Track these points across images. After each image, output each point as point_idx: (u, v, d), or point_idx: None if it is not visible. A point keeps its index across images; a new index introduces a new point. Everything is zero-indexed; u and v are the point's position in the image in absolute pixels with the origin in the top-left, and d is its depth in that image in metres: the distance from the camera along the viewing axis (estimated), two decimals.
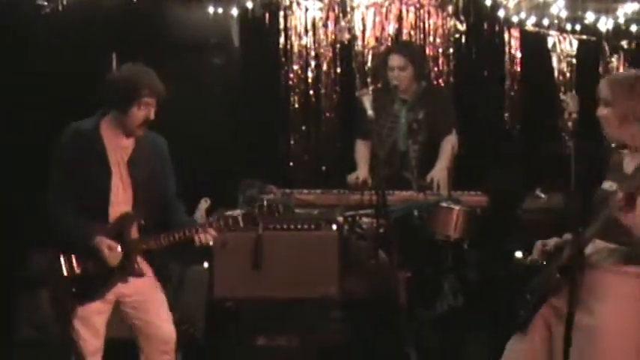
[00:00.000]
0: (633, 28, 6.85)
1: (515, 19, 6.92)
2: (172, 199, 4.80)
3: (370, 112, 4.85)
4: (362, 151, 6.29)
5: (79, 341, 4.62)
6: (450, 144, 6.04)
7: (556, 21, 6.77)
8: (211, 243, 4.74)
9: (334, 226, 5.56)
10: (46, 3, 6.82)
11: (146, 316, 4.73)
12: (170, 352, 4.78)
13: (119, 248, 4.56)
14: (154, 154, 4.70)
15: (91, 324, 4.63)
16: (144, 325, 4.74)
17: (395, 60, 6.14)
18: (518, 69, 7.29)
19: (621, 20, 6.69)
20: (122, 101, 4.51)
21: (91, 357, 4.67)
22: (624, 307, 3.98)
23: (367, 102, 4.90)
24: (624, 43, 7.11)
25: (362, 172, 6.15)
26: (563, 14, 6.60)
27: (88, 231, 4.55)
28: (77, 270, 4.59)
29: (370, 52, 7.31)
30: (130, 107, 4.50)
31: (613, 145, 3.98)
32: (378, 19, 7.29)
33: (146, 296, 4.73)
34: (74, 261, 4.59)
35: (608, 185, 4.07)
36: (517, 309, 4.29)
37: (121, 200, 4.62)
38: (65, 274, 4.59)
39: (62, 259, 4.60)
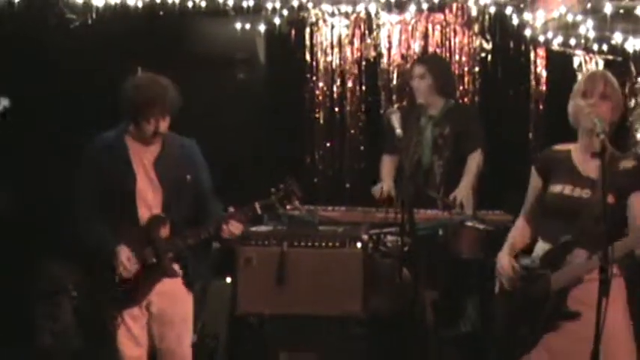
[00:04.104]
0: None
1: (541, 38, 6.90)
2: (207, 198, 4.85)
3: (399, 131, 4.84)
4: (387, 165, 6.28)
5: (121, 348, 4.69)
6: (475, 162, 6.03)
7: (583, 41, 6.73)
8: (237, 233, 4.75)
9: (359, 244, 5.54)
10: (75, 17, 6.88)
11: (168, 332, 4.79)
12: None
13: (135, 264, 4.62)
14: (181, 157, 4.78)
15: (131, 331, 4.69)
16: (163, 340, 4.80)
17: (417, 69, 6.27)
18: (544, 88, 7.27)
19: None
20: (132, 117, 4.64)
21: None
22: (623, 310, 4.07)
23: (395, 121, 4.89)
24: None
25: (386, 184, 6.15)
26: (591, 34, 6.57)
27: (110, 239, 4.63)
28: (114, 277, 4.64)
29: (396, 69, 7.32)
30: (139, 122, 4.61)
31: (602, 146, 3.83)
32: (404, 36, 7.31)
33: (174, 309, 4.79)
34: (109, 268, 4.65)
35: (562, 189, 4.11)
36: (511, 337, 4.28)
37: (151, 203, 4.70)
38: (104, 281, 4.66)
39: (99, 267, 4.66)
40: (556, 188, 4.15)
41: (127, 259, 4.60)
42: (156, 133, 4.63)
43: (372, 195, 6.16)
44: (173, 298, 4.77)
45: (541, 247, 4.23)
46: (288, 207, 4.96)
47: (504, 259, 4.31)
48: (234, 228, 4.71)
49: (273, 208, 4.89)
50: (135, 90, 4.62)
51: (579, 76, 7.14)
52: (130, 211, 4.67)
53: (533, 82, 7.26)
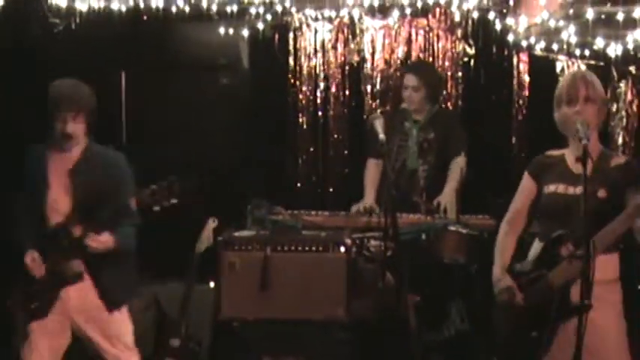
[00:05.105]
0: None
1: (524, 43, 6.93)
2: (119, 215, 4.72)
3: (382, 136, 4.85)
4: (372, 172, 6.28)
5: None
6: (458, 167, 6.03)
7: (565, 46, 6.77)
8: (99, 247, 4.64)
9: (342, 248, 5.55)
10: (58, 21, 6.86)
11: (104, 347, 4.79)
12: None
13: (41, 262, 4.62)
14: (101, 168, 4.74)
15: (37, 346, 4.68)
16: (104, 356, 4.81)
17: (410, 80, 6.19)
18: (527, 93, 7.30)
19: (630, 46, 6.70)
20: (49, 117, 4.66)
21: None
22: (618, 312, 4.14)
23: (379, 126, 4.90)
24: (632, 69, 7.11)
25: (368, 198, 6.15)
26: (573, 40, 6.61)
27: (23, 244, 4.68)
28: (29, 284, 4.68)
29: (379, 74, 7.34)
30: (53, 122, 4.65)
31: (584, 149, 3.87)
32: (387, 41, 7.33)
33: (95, 328, 4.77)
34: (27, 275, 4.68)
35: (555, 188, 4.16)
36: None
37: (62, 210, 4.68)
38: (23, 288, 4.70)
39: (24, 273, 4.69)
40: (550, 188, 4.21)
41: (31, 260, 4.62)
42: (65, 135, 4.64)
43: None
44: (92, 317, 4.75)
45: (536, 247, 4.26)
46: (164, 204, 4.70)
47: (506, 280, 4.27)
48: (93, 242, 4.62)
49: (145, 205, 4.70)
50: (51, 88, 4.68)
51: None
52: (44, 218, 4.69)
53: (515, 87, 7.29)
